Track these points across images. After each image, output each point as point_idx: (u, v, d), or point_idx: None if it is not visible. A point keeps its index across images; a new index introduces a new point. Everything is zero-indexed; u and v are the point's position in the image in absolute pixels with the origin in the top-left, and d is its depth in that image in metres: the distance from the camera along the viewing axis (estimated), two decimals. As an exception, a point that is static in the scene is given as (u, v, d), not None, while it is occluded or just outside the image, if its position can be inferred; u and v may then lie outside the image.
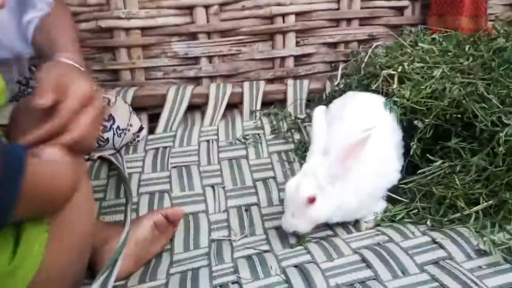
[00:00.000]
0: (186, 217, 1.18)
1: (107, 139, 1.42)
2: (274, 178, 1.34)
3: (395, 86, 1.27)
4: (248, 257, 1.01)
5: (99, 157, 1.42)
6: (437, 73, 1.23)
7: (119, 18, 1.65)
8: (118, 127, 1.44)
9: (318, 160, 1.03)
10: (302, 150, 1.45)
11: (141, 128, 1.56)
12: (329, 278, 0.90)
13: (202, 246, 1.09)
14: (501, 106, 1.07)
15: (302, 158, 1.42)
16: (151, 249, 1.05)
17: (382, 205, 1.12)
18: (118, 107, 1.46)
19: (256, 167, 1.40)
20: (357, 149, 0.99)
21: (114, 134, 1.43)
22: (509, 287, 0.83)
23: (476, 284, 0.83)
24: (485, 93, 1.10)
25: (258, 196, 1.27)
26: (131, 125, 1.51)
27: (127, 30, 1.67)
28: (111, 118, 1.43)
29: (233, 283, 0.93)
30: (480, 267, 0.89)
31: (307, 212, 1.01)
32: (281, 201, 1.24)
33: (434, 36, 1.55)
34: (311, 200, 0.99)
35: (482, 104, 1.09)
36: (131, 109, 1.53)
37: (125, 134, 1.48)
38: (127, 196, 1.14)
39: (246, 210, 1.22)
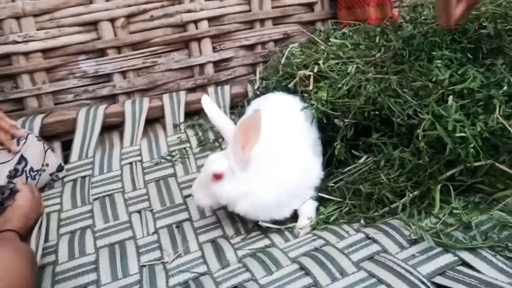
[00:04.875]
0: (111, 248, 1.09)
1: None
2: (205, 191, 1.29)
3: (311, 87, 1.25)
4: (185, 284, 0.95)
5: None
6: (351, 69, 1.22)
7: (16, 42, 1.51)
8: (31, 169, 1.30)
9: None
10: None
11: (60, 168, 1.40)
12: (270, 293, 0.87)
13: (132, 273, 1.01)
14: (415, 99, 1.06)
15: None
16: None
17: (313, 205, 1.10)
18: (30, 146, 1.30)
19: (186, 183, 1.33)
20: (249, 132, 0.97)
21: (27, 177, 1.28)
22: (442, 270, 0.84)
23: (411, 273, 0.84)
24: (398, 90, 1.09)
25: (189, 212, 1.20)
26: (47, 165, 1.35)
27: (26, 54, 1.53)
28: (23, 159, 1.28)
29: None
30: (413, 255, 0.89)
31: (210, 187, 1.02)
32: (213, 212, 1.19)
33: (344, 30, 1.57)
34: (217, 177, 1.01)
35: (397, 99, 1.09)
36: (46, 147, 1.38)
37: (40, 175, 1.33)
38: None
39: (177, 227, 1.15)
